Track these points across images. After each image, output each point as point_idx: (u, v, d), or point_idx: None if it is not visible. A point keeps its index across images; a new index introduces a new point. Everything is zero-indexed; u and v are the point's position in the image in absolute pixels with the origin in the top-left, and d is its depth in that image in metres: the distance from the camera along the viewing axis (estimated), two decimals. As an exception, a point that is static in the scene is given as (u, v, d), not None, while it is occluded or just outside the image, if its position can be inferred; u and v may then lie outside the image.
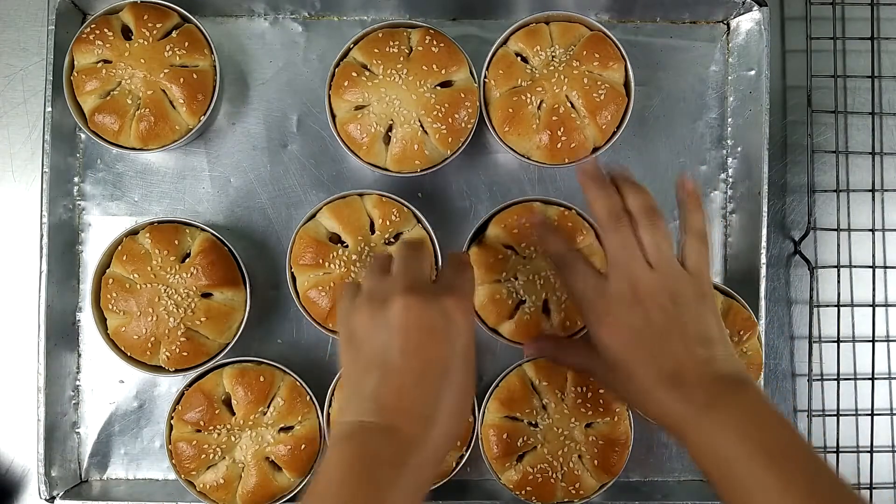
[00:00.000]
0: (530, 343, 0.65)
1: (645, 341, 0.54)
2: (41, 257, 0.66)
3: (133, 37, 0.66)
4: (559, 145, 0.65)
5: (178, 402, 0.66)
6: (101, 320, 0.66)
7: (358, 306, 0.51)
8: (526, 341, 0.65)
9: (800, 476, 0.47)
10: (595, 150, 0.67)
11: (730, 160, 0.73)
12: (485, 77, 0.67)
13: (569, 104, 0.65)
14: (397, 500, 0.45)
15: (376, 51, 0.65)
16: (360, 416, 0.47)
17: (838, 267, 0.73)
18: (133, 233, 0.67)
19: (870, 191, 0.73)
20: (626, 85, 0.67)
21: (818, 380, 0.73)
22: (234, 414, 0.65)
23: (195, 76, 0.66)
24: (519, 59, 0.67)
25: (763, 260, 0.68)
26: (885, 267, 0.73)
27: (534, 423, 0.66)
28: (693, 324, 0.54)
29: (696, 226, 0.57)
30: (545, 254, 0.64)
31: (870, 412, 0.73)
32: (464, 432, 0.50)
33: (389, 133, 0.66)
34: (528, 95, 0.65)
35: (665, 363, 0.53)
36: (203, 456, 0.64)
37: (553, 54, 0.66)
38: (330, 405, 0.66)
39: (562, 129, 0.65)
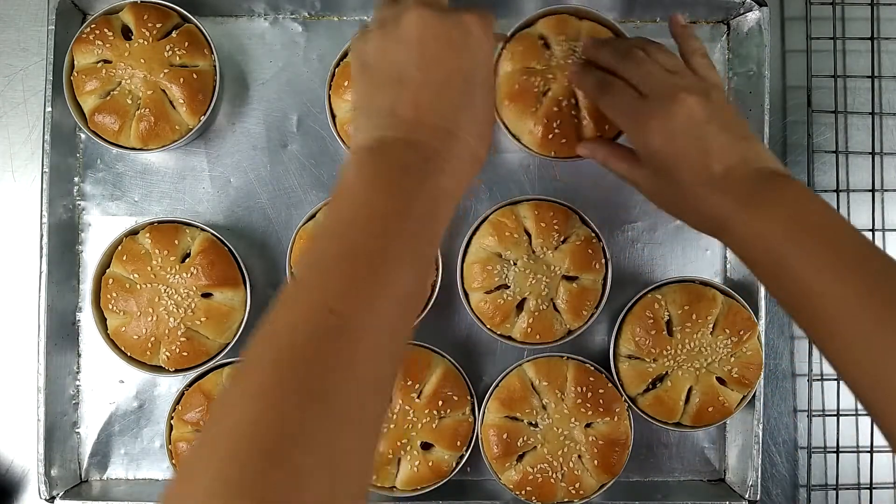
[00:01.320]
0: (585, 143, 0.63)
1: (690, 136, 0.53)
2: (41, 257, 0.66)
3: (133, 37, 0.66)
4: (550, 136, 0.64)
5: (178, 402, 0.66)
6: (101, 320, 0.66)
7: (369, 32, 0.48)
8: (581, 143, 0.63)
9: (850, 255, 0.47)
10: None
11: (730, 160, 0.73)
12: (502, 48, 0.66)
13: (573, 101, 0.65)
14: (421, 208, 0.43)
15: None
16: (379, 131, 0.45)
17: (838, 267, 0.73)
18: (133, 233, 0.67)
19: (870, 191, 0.73)
20: None
21: (818, 380, 0.73)
22: (234, 414, 0.65)
23: (195, 76, 0.66)
24: (542, 42, 0.66)
25: (763, 260, 0.68)
26: (885, 267, 0.73)
27: (534, 423, 0.66)
28: (732, 119, 0.54)
29: (696, 45, 0.58)
30: (581, 86, 0.62)
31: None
32: (485, 154, 0.48)
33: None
34: (538, 79, 0.65)
35: (713, 157, 0.52)
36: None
37: (575, 48, 0.65)
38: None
39: (558, 122, 0.64)
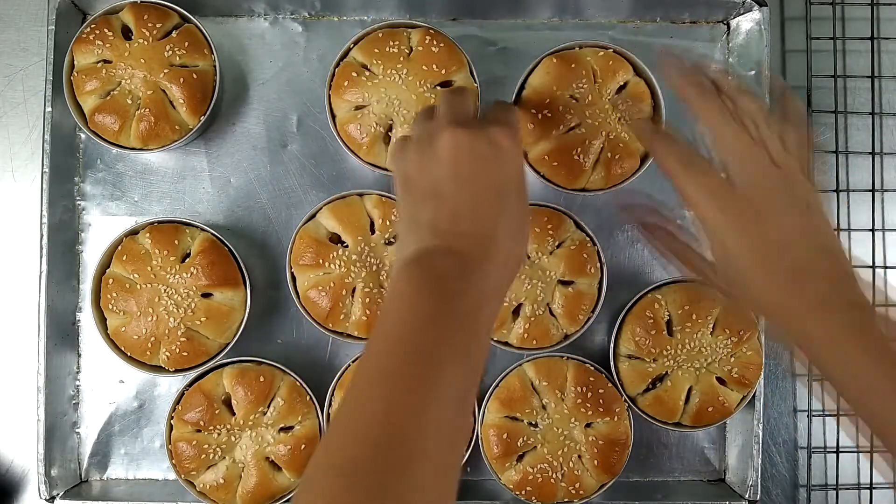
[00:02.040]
0: (664, 234, 0.60)
1: (781, 261, 0.49)
2: (41, 257, 0.66)
3: (133, 37, 0.66)
4: (555, 163, 0.66)
5: (178, 402, 0.66)
6: (101, 320, 0.66)
7: (408, 150, 0.52)
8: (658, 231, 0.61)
9: None
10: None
11: (730, 160, 0.73)
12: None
13: (589, 143, 0.66)
14: (465, 310, 0.46)
15: (376, 51, 0.65)
16: (421, 243, 0.48)
17: (838, 267, 0.73)
18: (133, 233, 0.67)
19: (869, 191, 0.73)
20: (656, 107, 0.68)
21: (818, 380, 0.73)
22: (234, 414, 0.65)
23: (195, 76, 0.66)
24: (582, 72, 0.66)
25: (763, 260, 0.68)
26: (885, 267, 0.73)
27: (534, 423, 0.66)
28: (823, 235, 0.50)
29: (794, 111, 0.54)
30: (653, 146, 0.57)
31: (870, 412, 0.73)
32: (523, 255, 0.52)
33: (389, 133, 0.66)
34: (571, 111, 0.66)
35: (804, 291, 0.49)
36: (203, 456, 0.64)
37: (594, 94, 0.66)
38: (330, 405, 0.66)
39: (566, 155, 0.65)
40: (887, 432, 0.49)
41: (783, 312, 0.50)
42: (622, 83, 0.67)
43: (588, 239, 0.67)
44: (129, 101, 0.65)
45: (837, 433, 0.73)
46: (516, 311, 0.66)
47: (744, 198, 0.50)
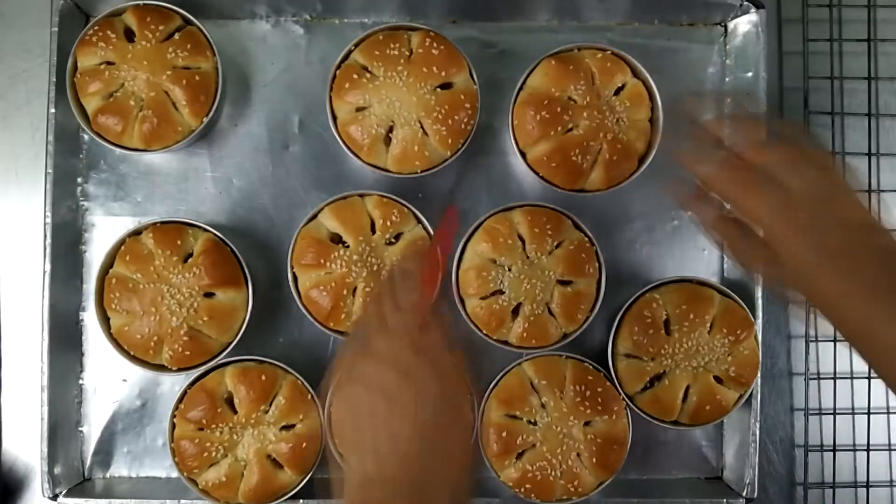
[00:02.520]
0: (716, 224, 0.57)
1: (837, 262, 0.50)
2: (45, 257, 0.67)
3: (136, 39, 0.66)
4: (554, 164, 0.66)
5: (180, 400, 0.66)
6: (105, 320, 0.67)
7: (345, 353, 0.54)
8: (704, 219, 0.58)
9: None
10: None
11: (727, 161, 0.73)
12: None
13: (588, 145, 0.66)
14: None
15: (377, 53, 0.66)
16: (363, 469, 0.50)
17: (835, 267, 0.73)
18: (136, 233, 0.67)
19: (866, 191, 0.74)
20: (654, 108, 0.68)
21: (815, 378, 0.73)
22: (236, 412, 0.65)
23: (197, 78, 0.66)
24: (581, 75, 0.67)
25: (760, 260, 0.69)
26: (882, 267, 0.74)
27: (533, 421, 0.66)
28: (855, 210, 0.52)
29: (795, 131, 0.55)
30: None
31: (866, 411, 0.73)
32: (470, 464, 0.54)
33: (390, 134, 0.67)
34: (569, 111, 0.66)
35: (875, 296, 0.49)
36: (205, 454, 0.65)
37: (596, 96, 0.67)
38: (331, 404, 0.67)
39: (565, 156, 0.66)
40: None
41: (840, 299, 0.50)
42: (620, 85, 0.68)
43: (587, 239, 0.68)
44: (132, 103, 0.66)
45: (834, 432, 0.73)
46: (516, 311, 0.67)
47: (797, 209, 0.51)
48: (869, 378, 0.73)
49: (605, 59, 0.67)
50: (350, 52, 0.67)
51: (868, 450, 0.73)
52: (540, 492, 0.66)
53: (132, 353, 0.66)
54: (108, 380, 0.71)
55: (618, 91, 0.68)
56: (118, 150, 0.68)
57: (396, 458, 0.49)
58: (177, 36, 0.67)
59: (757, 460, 0.68)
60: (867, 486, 0.73)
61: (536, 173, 0.67)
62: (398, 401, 0.50)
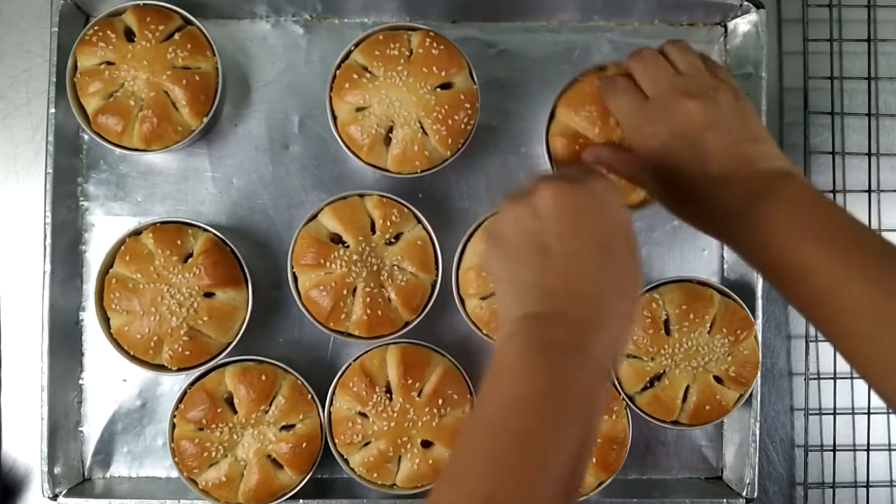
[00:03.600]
0: (590, 149, 0.62)
1: (688, 139, 0.53)
2: (45, 257, 0.67)
3: (136, 39, 0.66)
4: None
5: (180, 400, 0.66)
6: (105, 320, 0.67)
7: (502, 211, 0.48)
8: (585, 149, 0.62)
9: (847, 246, 0.47)
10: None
11: (727, 161, 0.73)
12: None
13: None
14: (581, 384, 0.43)
15: (377, 53, 0.66)
16: (525, 308, 0.45)
17: (835, 267, 0.73)
18: (136, 233, 0.67)
19: (866, 191, 0.74)
20: None
21: (815, 378, 0.73)
22: (236, 412, 0.66)
23: (197, 78, 0.66)
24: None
25: (760, 260, 0.69)
26: (881, 267, 0.74)
27: (533, 421, 0.66)
28: (735, 120, 0.54)
29: (696, 53, 0.58)
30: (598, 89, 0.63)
31: (866, 410, 0.73)
32: (635, 312, 0.50)
33: (390, 134, 0.67)
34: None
35: (712, 159, 0.52)
36: (205, 454, 0.65)
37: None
38: (332, 403, 0.67)
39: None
40: (823, 308, 0.48)
41: (708, 210, 0.53)
42: None
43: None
44: (132, 103, 0.66)
45: (834, 431, 0.73)
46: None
47: (655, 102, 0.55)
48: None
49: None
50: (350, 52, 0.67)
51: (868, 450, 0.73)
52: (540, 492, 0.66)
53: (132, 353, 0.66)
54: (108, 380, 0.71)
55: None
56: (118, 150, 0.68)
57: (582, 270, 0.45)
58: (177, 36, 0.67)
59: (757, 460, 0.69)
60: (867, 486, 0.73)
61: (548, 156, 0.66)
62: (586, 217, 0.46)
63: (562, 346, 0.43)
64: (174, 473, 0.69)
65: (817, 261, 0.47)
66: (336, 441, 0.66)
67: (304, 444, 0.65)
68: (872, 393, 0.73)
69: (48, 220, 0.67)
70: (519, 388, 0.42)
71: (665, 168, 0.54)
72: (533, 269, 0.46)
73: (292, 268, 0.67)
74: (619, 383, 0.68)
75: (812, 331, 0.73)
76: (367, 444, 0.66)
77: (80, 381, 0.71)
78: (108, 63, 0.66)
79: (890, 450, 0.74)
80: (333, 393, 0.67)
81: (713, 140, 0.52)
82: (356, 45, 0.67)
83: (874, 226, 0.74)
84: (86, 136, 0.71)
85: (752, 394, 0.68)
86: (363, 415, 0.66)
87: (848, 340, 0.47)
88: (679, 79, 0.55)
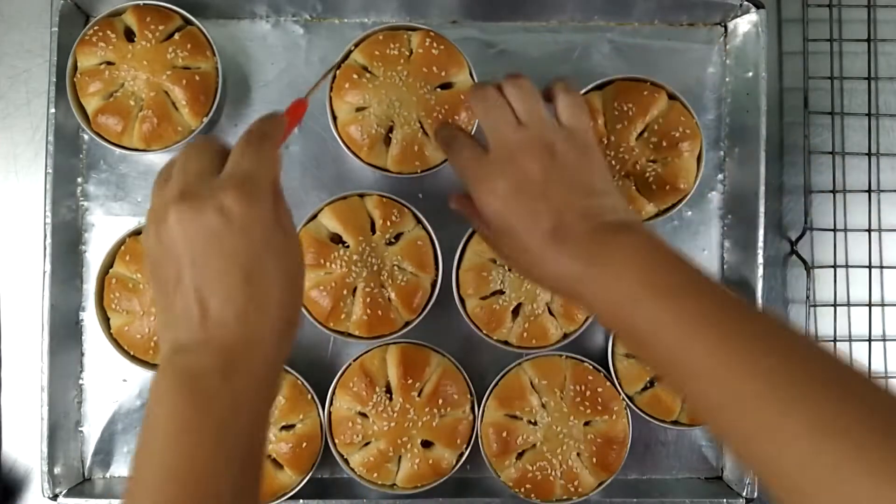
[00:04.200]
0: (456, 197, 0.62)
1: (523, 198, 0.52)
2: (44, 257, 0.67)
3: (136, 39, 0.67)
4: None
5: (180, 400, 0.66)
6: (105, 320, 0.67)
7: (146, 229, 0.47)
8: (452, 197, 0.63)
9: (690, 303, 0.43)
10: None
11: (727, 161, 0.73)
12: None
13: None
14: (227, 408, 0.43)
15: (377, 53, 0.66)
16: (173, 337, 0.45)
17: (835, 267, 0.73)
18: (136, 233, 0.67)
19: (866, 191, 0.74)
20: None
21: (815, 379, 0.73)
22: (236, 412, 0.65)
23: (197, 78, 0.66)
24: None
25: (760, 260, 0.69)
26: (882, 267, 0.74)
27: (533, 421, 0.66)
28: (575, 175, 0.52)
29: (562, 85, 0.57)
30: (437, 140, 0.63)
31: (866, 411, 0.73)
32: (295, 317, 0.48)
33: (390, 134, 0.67)
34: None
35: (547, 218, 0.50)
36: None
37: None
38: (331, 403, 0.67)
39: None
40: (672, 372, 0.44)
41: (551, 271, 0.51)
42: (654, 115, 0.68)
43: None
44: (132, 103, 0.66)
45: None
46: (516, 311, 0.67)
47: (493, 158, 0.54)
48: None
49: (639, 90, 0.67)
50: (350, 52, 0.67)
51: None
52: (540, 492, 0.66)
53: (132, 353, 0.66)
54: (109, 380, 0.71)
55: (643, 131, 0.68)
56: (118, 150, 0.68)
57: (224, 297, 0.44)
58: (177, 36, 0.67)
59: (757, 460, 0.69)
60: (867, 486, 0.73)
61: None
62: (214, 241, 0.44)
63: (205, 374, 0.43)
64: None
65: (661, 321, 0.44)
66: (336, 441, 0.66)
67: (304, 444, 0.65)
68: None
69: (48, 220, 0.67)
70: (168, 422, 0.42)
71: (503, 228, 0.53)
72: (177, 300, 0.45)
73: (292, 268, 0.67)
74: (619, 383, 0.68)
75: (812, 331, 0.73)
76: (367, 444, 0.66)
77: (80, 381, 0.71)
78: (108, 63, 0.66)
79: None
80: (333, 393, 0.67)
81: (551, 197, 0.51)
82: (356, 45, 0.67)
83: (874, 226, 0.74)
84: (86, 136, 0.71)
85: (752, 394, 0.68)
86: (363, 415, 0.66)
87: (698, 407, 0.44)
88: (519, 131, 0.53)
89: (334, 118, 0.67)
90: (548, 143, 0.53)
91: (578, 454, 0.66)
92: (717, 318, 0.42)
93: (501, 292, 0.67)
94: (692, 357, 0.42)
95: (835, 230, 0.74)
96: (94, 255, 0.71)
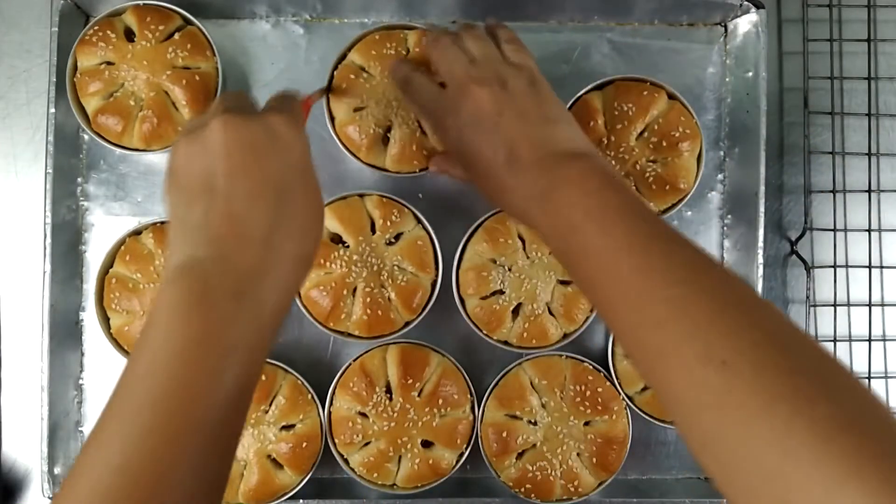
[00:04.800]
0: (434, 158, 0.65)
1: (479, 129, 0.53)
2: (44, 257, 0.67)
3: (136, 39, 0.67)
4: None
5: (180, 400, 0.66)
6: (105, 320, 0.67)
7: (176, 142, 0.46)
8: (431, 159, 0.65)
9: (620, 229, 0.45)
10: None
11: (727, 161, 0.73)
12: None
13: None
14: (241, 333, 0.41)
15: (373, 53, 0.66)
16: (190, 251, 0.42)
17: (835, 267, 0.73)
18: (136, 233, 0.67)
19: (866, 191, 0.74)
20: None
21: (815, 379, 0.73)
22: (236, 412, 0.65)
23: (197, 78, 0.66)
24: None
25: (760, 260, 0.69)
26: (882, 267, 0.74)
27: (533, 421, 0.66)
28: (526, 106, 0.54)
29: (505, 31, 0.60)
30: (393, 81, 0.64)
31: (866, 411, 0.73)
32: (314, 252, 0.46)
33: (388, 134, 0.67)
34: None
35: (501, 148, 0.52)
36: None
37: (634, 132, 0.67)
38: (332, 403, 0.67)
39: None
40: (605, 303, 0.46)
41: (509, 197, 0.53)
42: (653, 115, 0.68)
43: (587, 239, 0.68)
44: (132, 103, 0.66)
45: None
46: (516, 311, 0.67)
47: (449, 94, 0.57)
48: (869, 379, 0.73)
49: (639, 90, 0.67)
50: (346, 52, 0.67)
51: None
52: (539, 492, 0.66)
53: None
54: (109, 380, 0.71)
55: (643, 132, 0.68)
56: (118, 150, 0.68)
57: (250, 213, 0.43)
58: (177, 36, 0.67)
59: (757, 460, 0.68)
60: (867, 486, 0.73)
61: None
62: (256, 154, 0.44)
63: (219, 293, 0.41)
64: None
65: (593, 243, 0.45)
66: (336, 441, 0.66)
67: (304, 444, 0.65)
68: (872, 388, 0.73)
69: (48, 220, 0.67)
70: (172, 338, 0.40)
71: (464, 159, 0.55)
72: (199, 210, 0.43)
73: (292, 268, 0.67)
74: (619, 383, 0.68)
75: (812, 331, 0.73)
76: (367, 443, 0.66)
77: (81, 382, 0.71)
78: (108, 63, 0.66)
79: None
80: (333, 393, 0.67)
81: (505, 125, 0.53)
82: (352, 45, 0.67)
83: (874, 226, 0.74)
84: (86, 136, 0.71)
85: (752, 394, 0.68)
86: (363, 415, 0.66)
87: (615, 330, 0.46)
88: (471, 67, 0.55)
89: (332, 119, 0.67)
90: (499, 76, 0.55)
91: (578, 454, 0.66)
92: (643, 246, 0.44)
93: (501, 292, 0.67)
94: (613, 280, 0.44)
95: (835, 230, 0.74)
96: (94, 255, 0.71)
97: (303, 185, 0.46)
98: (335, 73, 0.67)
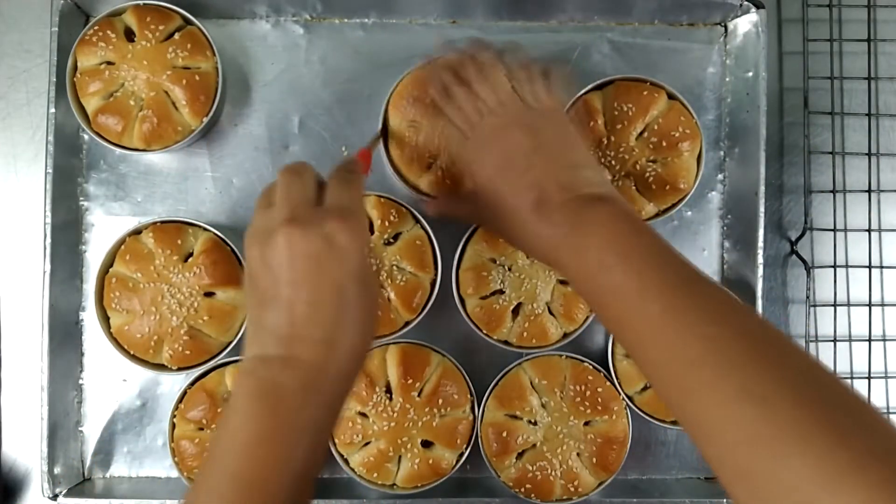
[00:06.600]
0: (428, 203, 0.66)
1: (510, 173, 0.55)
2: (45, 257, 0.67)
3: (136, 39, 0.67)
4: None
5: (180, 400, 0.66)
6: (105, 319, 0.67)
7: (249, 245, 0.50)
8: (427, 203, 0.66)
9: (650, 271, 0.47)
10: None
11: (727, 161, 0.73)
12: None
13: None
14: (308, 417, 0.46)
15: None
16: (262, 349, 0.48)
17: (834, 267, 0.73)
18: (136, 232, 0.67)
19: (866, 191, 0.74)
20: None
21: (815, 379, 0.73)
22: (236, 412, 0.65)
23: (198, 78, 0.66)
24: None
25: (760, 260, 0.69)
26: (882, 267, 0.74)
27: (533, 421, 0.66)
28: (555, 150, 0.55)
29: (532, 67, 0.60)
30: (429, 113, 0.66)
31: (866, 411, 0.73)
32: (370, 343, 0.51)
33: (432, 160, 0.67)
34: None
35: (530, 190, 0.54)
36: (205, 454, 0.65)
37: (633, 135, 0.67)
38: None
39: None
40: (632, 341, 0.48)
41: (533, 239, 0.55)
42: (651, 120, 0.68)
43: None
44: (132, 103, 0.66)
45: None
46: (516, 311, 0.67)
47: (477, 142, 0.58)
48: (869, 378, 0.73)
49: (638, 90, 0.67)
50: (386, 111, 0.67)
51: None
52: (539, 492, 0.66)
53: (132, 352, 0.66)
54: (108, 380, 0.71)
55: (643, 132, 0.68)
56: (118, 150, 0.68)
57: (312, 316, 0.47)
58: (177, 36, 0.67)
59: (757, 460, 0.68)
60: (867, 486, 0.73)
61: None
62: (316, 264, 0.47)
63: (289, 389, 0.46)
64: (174, 473, 0.69)
65: (624, 284, 0.48)
66: (336, 441, 0.66)
67: (304, 444, 0.65)
68: (872, 392, 0.73)
69: (48, 220, 0.67)
70: (243, 430, 0.45)
71: (492, 200, 0.56)
72: (270, 314, 0.47)
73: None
74: (619, 383, 0.68)
75: (812, 331, 0.73)
76: (367, 443, 0.66)
77: (80, 381, 0.71)
78: (108, 63, 0.66)
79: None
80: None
81: (534, 167, 0.54)
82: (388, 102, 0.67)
83: (874, 226, 0.74)
84: (86, 136, 0.71)
85: (751, 394, 0.68)
86: (363, 415, 0.66)
87: (645, 368, 0.48)
88: (499, 116, 0.57)
89: (391, 161, 0.68)
90: (527, 123, 0.56)
91: (578, 454, 0.66)
92: (673, 287, 0.46)
93: (501, 292, 0.67)
94: (644, 319, 0.46)
95: (835, 230, 0.74)
96: (94, 255, 0.71)
97: (359, 286, 0.48)
98: (398, 85, 0.67)
